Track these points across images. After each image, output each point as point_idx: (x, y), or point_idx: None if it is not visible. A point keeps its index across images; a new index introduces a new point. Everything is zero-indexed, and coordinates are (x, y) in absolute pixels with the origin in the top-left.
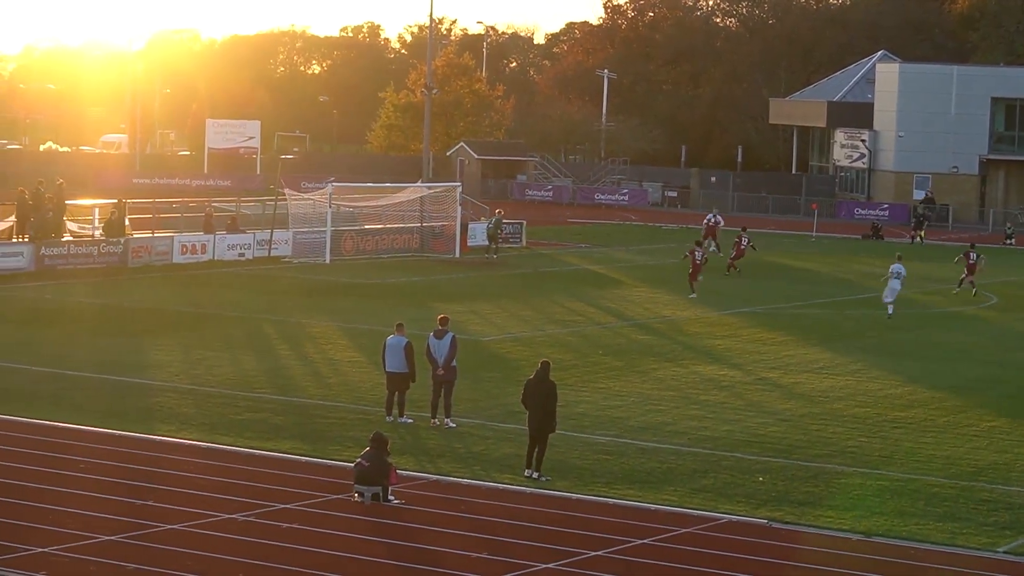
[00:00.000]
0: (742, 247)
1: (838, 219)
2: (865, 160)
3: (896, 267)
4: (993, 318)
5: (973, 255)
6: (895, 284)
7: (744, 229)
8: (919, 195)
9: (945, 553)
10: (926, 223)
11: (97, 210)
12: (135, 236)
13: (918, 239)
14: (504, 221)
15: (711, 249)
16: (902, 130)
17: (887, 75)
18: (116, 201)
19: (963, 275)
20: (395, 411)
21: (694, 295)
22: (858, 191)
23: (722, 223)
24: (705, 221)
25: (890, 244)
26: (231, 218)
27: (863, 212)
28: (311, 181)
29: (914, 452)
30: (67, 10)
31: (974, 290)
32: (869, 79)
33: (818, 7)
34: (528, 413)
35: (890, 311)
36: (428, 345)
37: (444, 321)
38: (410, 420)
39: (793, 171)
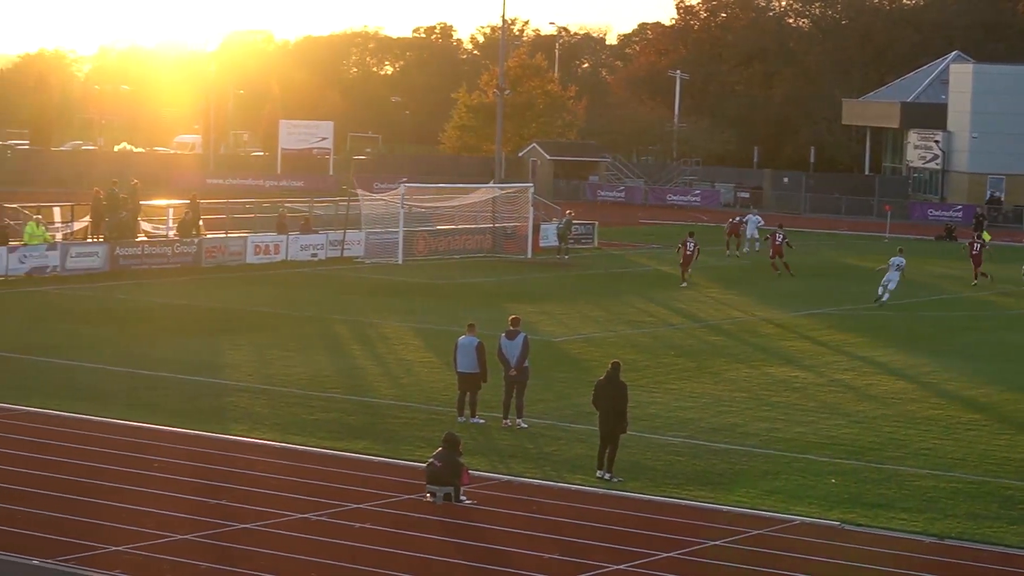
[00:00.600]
0: (777, 243)
1: (911, 220)
2: (939, 161)
3: (896, 259)
4: None
5: None
6: (894, 275)
7: (780, 226)
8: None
9: (1019, 556)
10: (985, 222)
11: (171, 210)
12: (208, 236)
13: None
14: (576, 222)
15: (756, 247)
16: (976, 131)
17: (961, 76)
18: (190, 200)
19: None
20: (467, 411)
21: (685, 284)
22: (931, 192)
23: (760, 222)
24: (733, 220)
25: (964, 245)
26: (304, 219)
27: (936, 213)
28: (383, 182)
29: (988, 454)
30: (142, 11)
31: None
32: (943, 80)
33: (891, 7)
34: (599, 414)
35: (885, 298)
36: (500, 346)
37: (516, 322)
38: (482, 421)
39: (866, 172)
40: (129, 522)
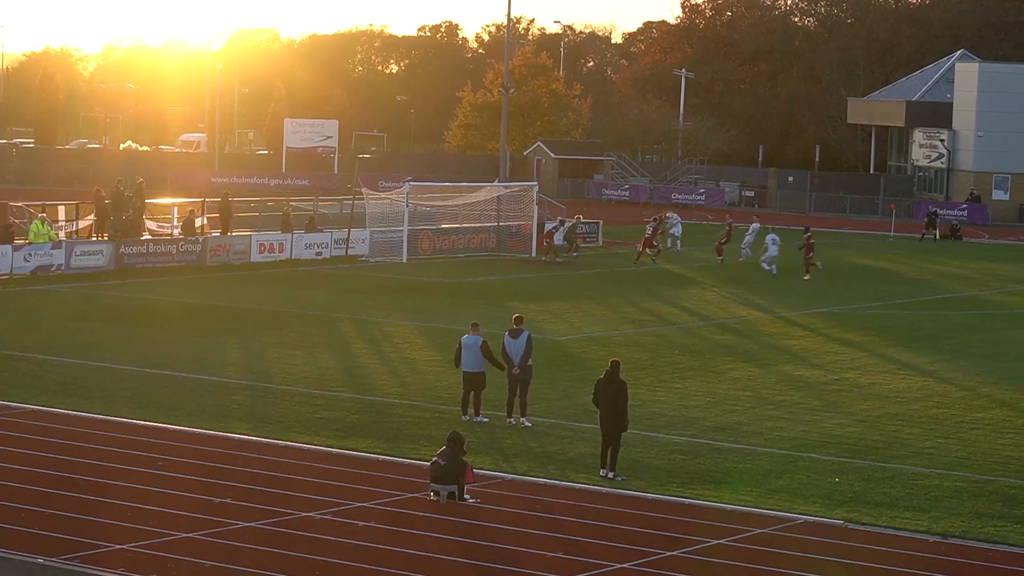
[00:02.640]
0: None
1: (916, 219)
2: (944, 160)
3: (771, 236)
4: None
5: None
6: (773, 250)
7: (807, 229)
8: (999, 195)
9: (1023, 555)
10: (938, 219)
11: (176, 209)
12: (213, 235)
13: (931, 237)
14: (582, 221)
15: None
16: (981, 130)
17: (966, 74)
18: (221, 199)
19: None
20: (471, 410)
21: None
22: (936, 191)
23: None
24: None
25: (969, 244)
26: (309, 217)
27: (942, 212)
28: (388, 180)
29: (992, 453)
30: (148, 10)
31: None
32: (948, 78)
33: (897, 6)
34: (599, 413)
35: (774, 270)
36: (504, 344)
37: (519, 320)
38: (486, 419)
39: (871, 171)
40: (133, 520)
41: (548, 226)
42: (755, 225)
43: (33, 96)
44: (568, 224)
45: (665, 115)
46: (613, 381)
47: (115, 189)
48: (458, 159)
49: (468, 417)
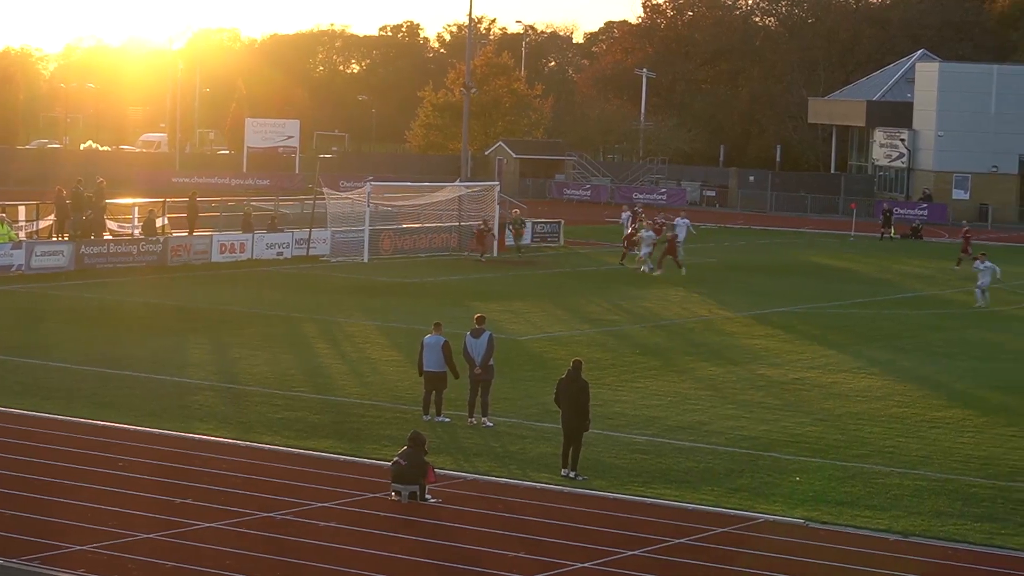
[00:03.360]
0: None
1: (877, 219)
2: (904, 159)
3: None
4: None
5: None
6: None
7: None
8: (959, 194)
9: (983, 553)
10: (893, 217)
11: (136, 209)
12: (175, 235)
13: (889, 236)
14: (542, 220)
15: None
16: (942, 129)
17: (927, 74)
18: (188, 199)
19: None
20: (432, 410)
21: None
22: (897, 191)
23: (690, 224)
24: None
25: (929, 244)
26: (270, 217)
27: (902, 212)
28: (350, 180)
29: (952, 452)
30: (108, 9)
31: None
32: (908, 78)
33: (857, 6)
34: (561, 412)
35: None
36: (465, 344)
37: (481, 320)
38: (447, 419)
39: (832, 170)
40: (94, 521)
41: (624, 218)
42: (683, 221)
43: None
44: (511, 223)
45: (626, 115)
46: (575, 380)
47: (75, 189)
48: (419, 159)
49: (429, 417)
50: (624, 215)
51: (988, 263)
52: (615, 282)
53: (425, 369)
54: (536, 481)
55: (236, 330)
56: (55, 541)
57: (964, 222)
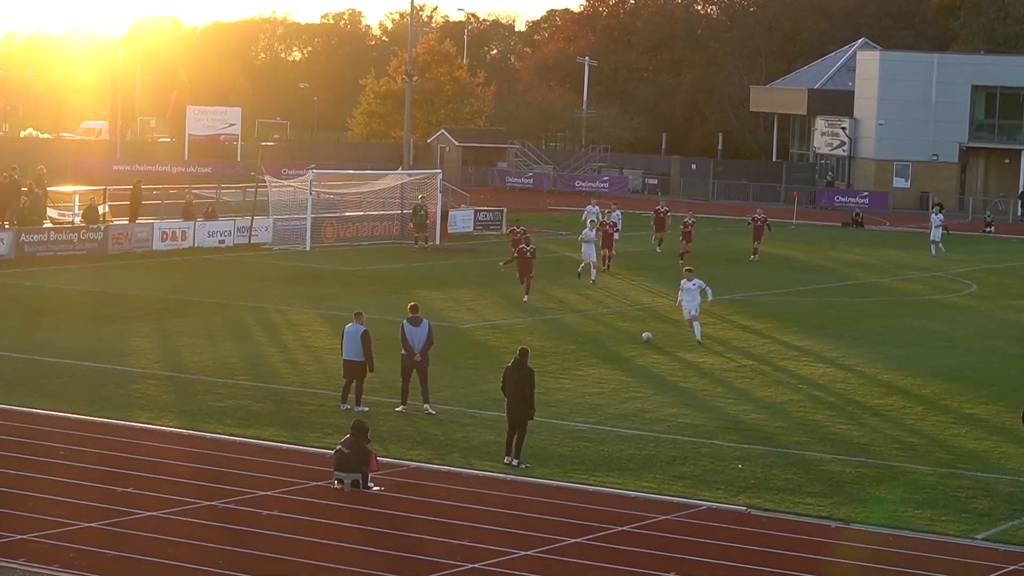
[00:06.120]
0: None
1: (818, 207)
2: (845, 148)
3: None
4: (973, 305)
5: None
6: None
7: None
8: (899, 182)
9: (924, 540)
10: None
11: (77, 197)
12: (115, 223)
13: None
14: (483, 208)
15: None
16: (882, 118)
17: (868, 63)
18: (133, 186)
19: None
20: (351, 398)
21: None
22: (839, 179)
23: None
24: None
25: (870, 232)
26: (210, 205)
27: (843, 200)
28: (292, 168)
29: (894, 439)
30: None
31: None
32: (850, 67)
33: None
34: (507, 400)
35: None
36: (404, 331)
37: (415, 308)
38: (367, 408)
39: (774, 159)
40: (34, 510)
41: (590, 211)
42: (592, 208)
43: None
44: (414, 210)
45: (568, 103)
46: (521, 368)
47: (10, 177)
48: (361, 147)
49: (348, 406)
50: (590, 208)
51: (697, 281)
52: (557, 270)
53: (344, 358)
54: (479, 469)
55: (177, 318)
56: None
57: (664, 205)
